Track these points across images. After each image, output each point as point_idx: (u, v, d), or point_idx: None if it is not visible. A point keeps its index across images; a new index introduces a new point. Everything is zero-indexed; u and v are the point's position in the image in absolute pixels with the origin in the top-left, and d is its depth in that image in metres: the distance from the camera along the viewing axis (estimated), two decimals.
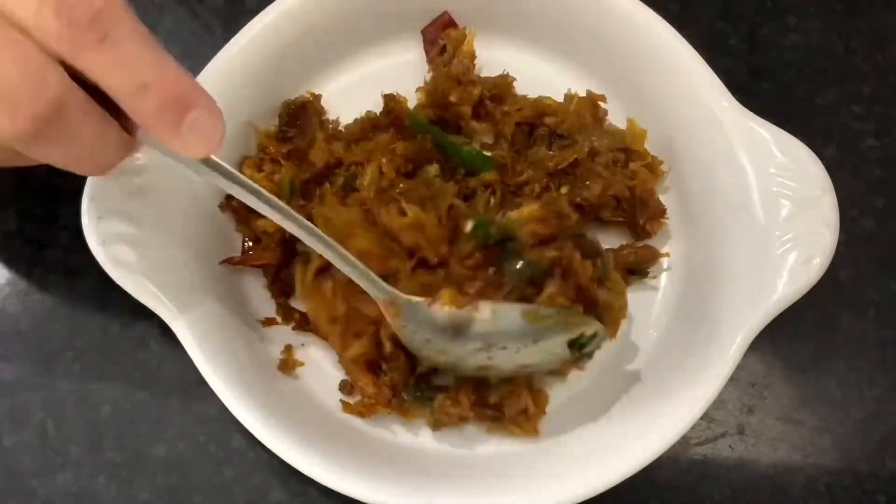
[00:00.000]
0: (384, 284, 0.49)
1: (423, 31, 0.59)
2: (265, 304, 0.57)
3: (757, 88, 0.65)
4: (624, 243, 0.57)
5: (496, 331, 0.48)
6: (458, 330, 0.48)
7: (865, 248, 0.61)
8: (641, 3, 0.56)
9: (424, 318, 0.49)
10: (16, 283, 0.60)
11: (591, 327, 0.49)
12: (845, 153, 0.63)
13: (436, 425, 0.53)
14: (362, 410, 0.53)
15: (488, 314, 0.48)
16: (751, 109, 0.53)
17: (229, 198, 0.56)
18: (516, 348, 0.49)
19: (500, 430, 0.53)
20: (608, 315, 0.52)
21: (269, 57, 0.56)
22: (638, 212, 0.55)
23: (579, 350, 0.50)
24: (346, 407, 0.53)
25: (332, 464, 0.49)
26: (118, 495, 0.56)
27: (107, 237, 0.49)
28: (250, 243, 0.57)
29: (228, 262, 0.55)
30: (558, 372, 0.54)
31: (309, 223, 0.46)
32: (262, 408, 0.50)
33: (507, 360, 0.50)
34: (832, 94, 0.65)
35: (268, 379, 0.54)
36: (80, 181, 0.49)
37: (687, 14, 0.67)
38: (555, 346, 0.49)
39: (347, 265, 0.47)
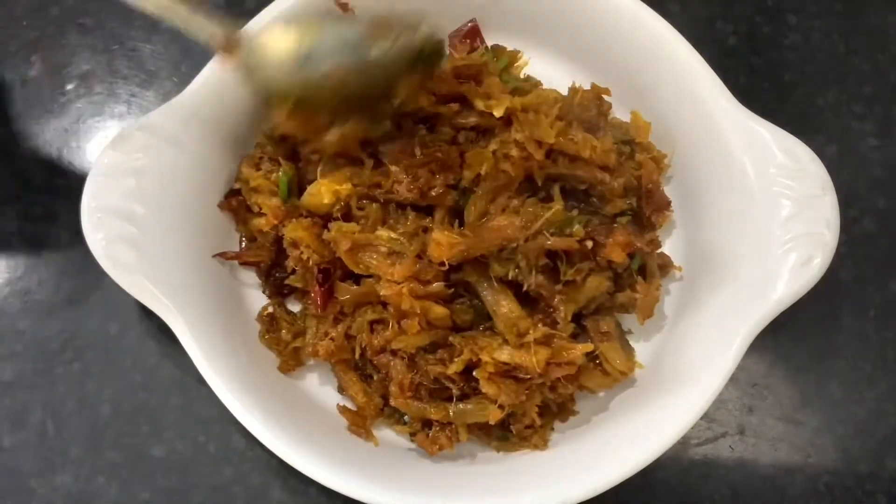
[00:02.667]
0: (219, 22, 0.48)
1: (450, 36, 0.59)
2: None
3: (757, 88, 0.65)
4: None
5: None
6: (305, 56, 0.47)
7: (866, 249, 0.61)
8: (642, 3, 0.56)
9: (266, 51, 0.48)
10: (16, 283, 0.60)
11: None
12: (846, 153, 0.63)
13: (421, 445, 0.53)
14: (358, 430, 0.53)
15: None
16: (751, 109, 0.53)
17: (228, 196, 0.56)
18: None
19: (507, 448, 0.53)
20: (643, 305, 0.52)
21: None
22: (644, 203, 0.55)
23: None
24: (349, 426, 0.54)
25: (332, 464, 0.49)
26: (118, 495, 0.56)
27: (107, 237, 0.49)
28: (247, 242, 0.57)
29: (222, 256, 0.55)
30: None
31: None
32: (262, 408, 0.50)
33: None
34: (832, 94, 0.65)
35: (268, 379, 0.54)
36: (80, 181, 0.49)
37: (687, 14, 0.67)
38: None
39: (167, 9, 0.47)
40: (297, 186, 0.55)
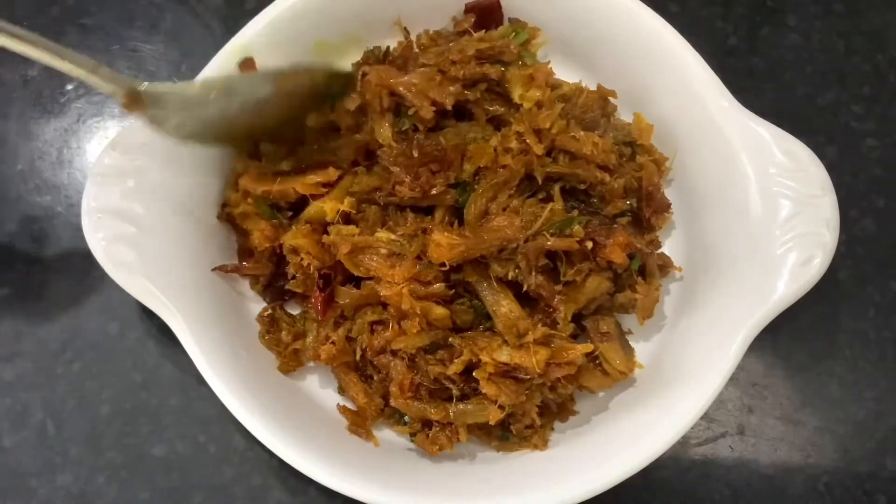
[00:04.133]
0: (121, 77, 0.48)
1: (466, 5, 0.59)
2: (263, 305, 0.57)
3: (757, 88, 0.65)
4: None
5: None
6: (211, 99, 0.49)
7: (865, 249, 0.61)
8: (642, 4, 0.56)
9: (173, 100, 0.49)
10: (16, 284, 0.60)
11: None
12: (845, 153, 0.63)
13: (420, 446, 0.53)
14: (358, 430, 0.53)
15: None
16: (751, 109, 0.53)
17: (225, 206, 0.56)
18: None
19: (508, 448, 0.53)
20: (643, 305, 0.53)
21: (269, 56, 0.55)
22: (644, 205, 0.55)
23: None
24: (349, 426, 0.54)
25: (332, 464, 0.49)
26: (118, 495, 0.56)
27: (107, 237, 0.49)
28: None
29: (221, 269, 0.55)
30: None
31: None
32: (262, 408, 0.50)
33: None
34: (832, 94, 0.65)
35: (268, 379, 0.53)
36: (80, 181, 0.49)
37: (687, 14, 0.67)
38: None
39: (74, 64, 0.47)
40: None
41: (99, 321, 0.59)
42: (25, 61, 0.64)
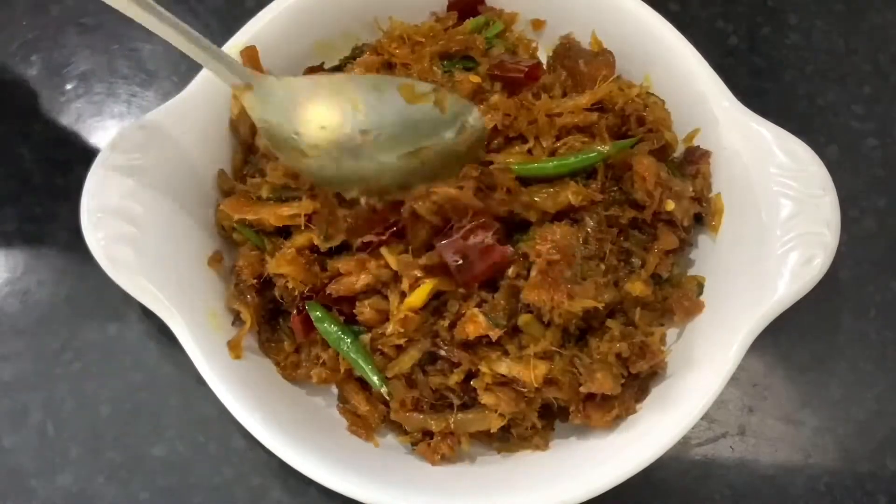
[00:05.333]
0: (242, 68, 0.46)
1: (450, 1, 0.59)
2: None
3: (757, 88, 0.65)
4: None
5: (372, 109, 0.46)
6: (330, 101, 0.46)
7: (866, 248, 0.61)
8: (642, 3, 0.56)
9: (288, 97, 0.46)
10: (16, 283, 0.60)
11: (471, 113, 0.47)
12: (846, 153, 0.63)
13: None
14: (358, 431, 0.53)
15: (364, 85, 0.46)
16: (751, 109, 0.53)
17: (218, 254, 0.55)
18: (395, 136, 0.46)
19: (508, 448, 0.53)
20: (679, 307, 0.52)
21: (268, 56, 0.55)
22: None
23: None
24: (349, 426, 0.54)
25: (332, 464, 0.49)
26: (118, 495, 0.56)
27: (106, 237, 0.49)
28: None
29: (215, 258, 0.55)
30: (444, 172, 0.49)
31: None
32: (262, 408, 0.49)
33: (386, 153, 0.46)
34: (833, 94, 0.65)
35: (268, 379, 0.53)
36: (79, 181, 0.49)
37: (687, 14, 0.67)
38: (434, 134, 0.47)
39: (202, 49, 0.46)
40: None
41: (99, 321, 0.59)
42: (25, 61, 0.65)
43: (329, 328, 0.51)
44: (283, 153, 0.47)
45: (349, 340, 0.50)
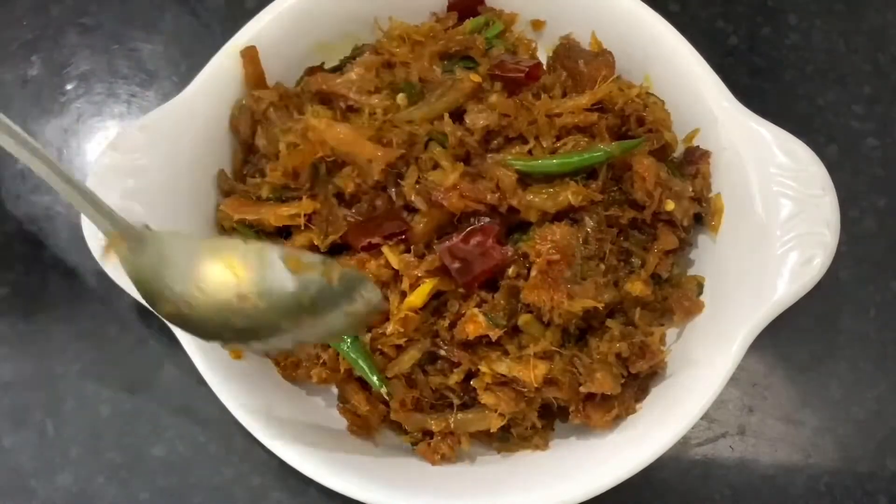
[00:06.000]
0: (119, 217, 0.45)
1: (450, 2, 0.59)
2: None
3: (757, 88, 0.65)
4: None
5: (254, 276, 0.44)
6: (207, 262, 0.44)
7: (866, 248, 0.61)
8: (642, 3, 0.56)
9: (164, 253, 0.44)
10: (15, 284, 0.60)
11: (365, 286, 0.45)
12: (846, 153, 0.63)
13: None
14: (358, 431, 0.53)
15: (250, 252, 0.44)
16: (751, 109, 0.53)
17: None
18: (279, 305, 0.44)
19: (508, 448, 0.53)
20: (679, 307, 0.52)
21: (268, 56, 0.56)
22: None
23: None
24: (349, 426, 0.54)
25: (332, 464, 0.49)
26: (118, 495, 0.56)
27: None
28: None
29: None
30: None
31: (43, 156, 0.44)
32: (262, 408, 0.49)
33: (272, 319, 0.45)
34: (833, 94, 0.65)
35: (267, 379, 0.53)
36: (80, 180, 0.49)
37: (687, 14, 0.67)
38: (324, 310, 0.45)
39: (76, 192, 0.44)
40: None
41: (99, 321, 0.59)
42: (26, 61, 0.65)
43: None
44: (158, 305, 0.45)
45: (349, 340, 0.50)
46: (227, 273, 0.44)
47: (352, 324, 0.45)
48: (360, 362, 0.50)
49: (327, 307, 0.45)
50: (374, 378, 0.50)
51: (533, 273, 0.48)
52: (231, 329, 0.45)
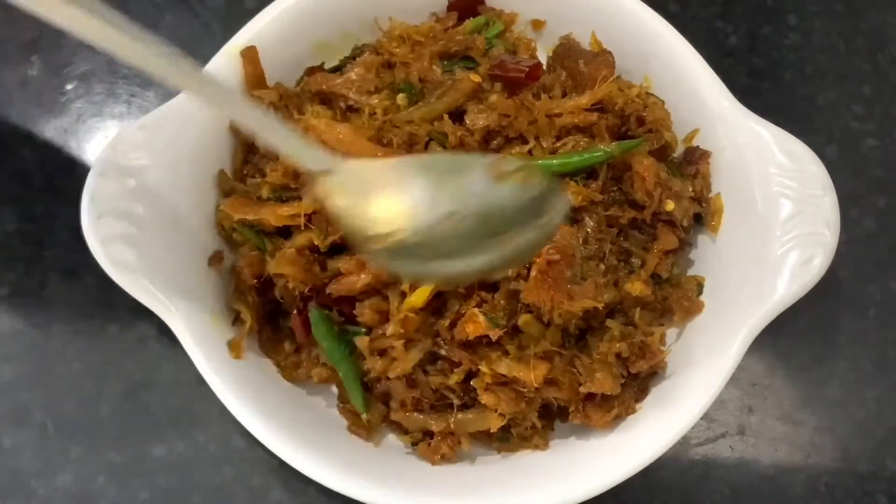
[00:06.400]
0: (323, 154, 0.43)
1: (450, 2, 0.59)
2: None
3: (757, 88, 0.65)
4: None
5: (455, 191, 0.42)
6: (417, 181, 0.42)
7: (866, 248, 0.61)
8: (642, 3, 0.56)
9: (367, 181, 0.43)
10: (16, 284, 0.60)
11: (559, 197, 0.44)
12: (846, 153, 0.63)
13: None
14: (358, 430, 0.53)
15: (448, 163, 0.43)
16: (751, 109, 0.53)
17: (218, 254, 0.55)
18: (478, 220, 0.42)
19: (508, 448, 0.53)
20: (679, 307, 0.52)
21: (268, 56, 0.56)
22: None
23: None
24: (349, 426, 0.54)
25: (332, 464, 0.49)
26: (118, 495, 0.56)
27: (107, 237, 0.49)
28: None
29: (216, 258, 0.55)
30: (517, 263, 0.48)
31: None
32: (262, 408, 0.49)
33: (467, 238, 0.42)
34: (833, 94, 0.65)
35: (268, 379, 0.53)
36: (80, 181, 0.49)
37: (687, 14, 0.67)
38: (518, 216, 0.43)
39: (283, 134, 0.42)
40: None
41: (99, 321, 0.59)
42: (26, 61, 0.65)
43: (330, 345, 0.51)
44: (360, 242, 0.44)
45: (340, 359, 0.51)
46: (435, 189, 0.43)
47: (542, 237, 0.44)
48: (349, 382, 0.51)
49: (522, 218, 0.43)
50: (359, 403, 0.51)
51: (533, 273, 0.48)
52: (437, 253, 0.43)
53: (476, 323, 0.48)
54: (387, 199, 0.43)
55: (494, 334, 0.48)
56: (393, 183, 0.43)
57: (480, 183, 0.43)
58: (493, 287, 0.50)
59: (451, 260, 0.43)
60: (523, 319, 0.49)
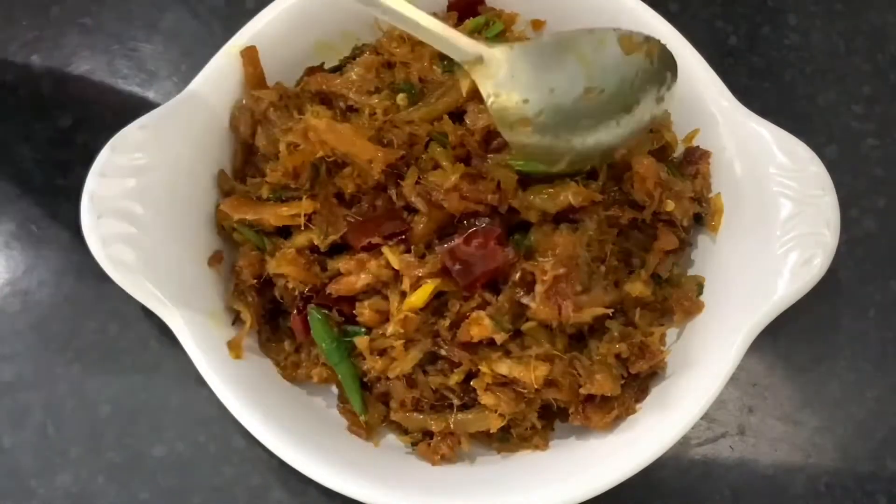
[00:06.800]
0: (471, 41, 0.45)
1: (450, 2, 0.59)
2: None
3: (757, 88, 0.65)
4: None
5: (596, 64, 0.45)
6: (558, 59, 0.45)
7: (866, 248, 0.61)
8: (642, 3, 0.56)
9: (517, 64, 0.45)
10: (16, 283, 0.60)
11: (674, 69, 0.48)
12: (846, 153, 0.63)
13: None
14: (358, 431, 0.53)
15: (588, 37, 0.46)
16: (751, 109, 0.53)
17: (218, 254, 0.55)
18: (614, 92, 0.46)
19: (508, 448, 0.53)
20: (679, 307, 0.52)
21: (268, 56, 0.56)
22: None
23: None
24: (349, 426, 0.54)
25: (332, 464, 0.49)
26: (118, 495, 0.56)
27: (107, 237, 0.49)
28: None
29: (216, 258, 0.55)
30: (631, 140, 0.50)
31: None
32: (262, 408, 0.49)
33: (602, 114, 0.46)
34: (832, 94, 0.65)
35: (268, 379, 0.53)
36: (80, 181, 0.49)
37: (687, 14, 0.67)
38: (641, 96, 0.47)
39: (429, 29, 0.45)
40: None
41: (99, 321, 0.59)
42: (25, 61, 0.65)
43: (329, 346, 0.51)
44: (506, 126, 0.47)
45: (339, 360, 0.51)
46: (576, 65, 0.45)
47: (660, 110, 0.47)
48: (348, 384, 0.51)
49: (645, 90, 0.47)
50: (358, 406, 0.52)
51: (539, 290, 0.48)
52: (575, 129, 0.46)
53: (482, 326, 0.48)
54: (533, 81, 0.46)
55: (500, 338, 0.48)
56: (537, 65, 0.45)
57: (614, 57, 0.46)
58: (494, 286, 0.50)
59: (586, 136, 0.47)
60: (528, 326, 0.49)
